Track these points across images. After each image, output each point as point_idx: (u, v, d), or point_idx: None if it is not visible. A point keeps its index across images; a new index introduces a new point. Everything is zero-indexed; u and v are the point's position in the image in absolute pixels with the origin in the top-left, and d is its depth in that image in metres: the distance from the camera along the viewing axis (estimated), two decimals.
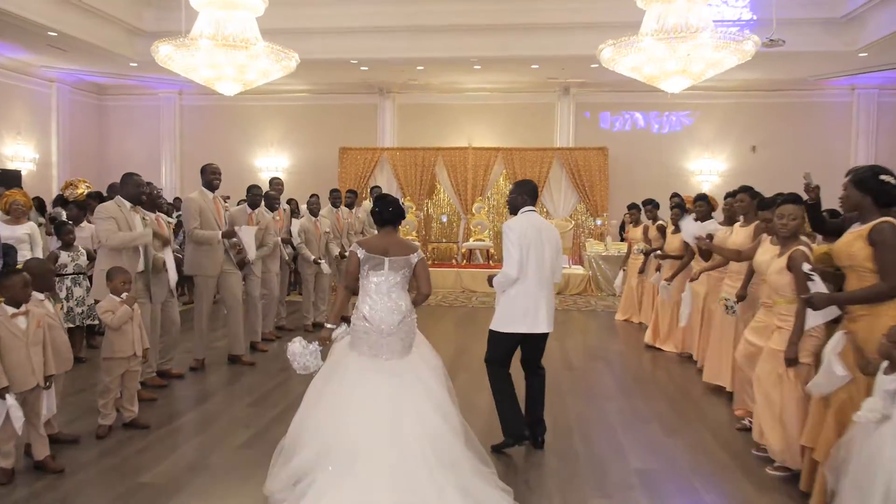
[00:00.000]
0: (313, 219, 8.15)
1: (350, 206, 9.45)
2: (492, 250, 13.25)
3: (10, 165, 13.13)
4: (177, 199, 11.84)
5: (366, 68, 13.26)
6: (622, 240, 13.33)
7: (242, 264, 6.32)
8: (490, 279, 4.43)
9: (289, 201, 13.03)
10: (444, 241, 14.02)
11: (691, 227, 5.48)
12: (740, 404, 5.01)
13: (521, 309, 4.25)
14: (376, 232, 3.98)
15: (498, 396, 4.40)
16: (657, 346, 7.23)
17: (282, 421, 4.46)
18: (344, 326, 3.77)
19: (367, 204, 9.62)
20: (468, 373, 6.12)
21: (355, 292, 3.78)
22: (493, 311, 4.43)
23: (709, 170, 14.44)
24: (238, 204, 8.35)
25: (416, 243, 4.19)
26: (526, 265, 4.20)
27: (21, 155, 13.39)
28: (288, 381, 5.79)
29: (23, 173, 13.30)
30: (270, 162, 15.38)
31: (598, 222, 13.48)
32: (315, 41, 11.75)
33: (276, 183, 8.05)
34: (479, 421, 4.68)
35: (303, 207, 9.01)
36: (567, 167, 13.67)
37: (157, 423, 4.77)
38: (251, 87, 9.14)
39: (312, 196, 8.33)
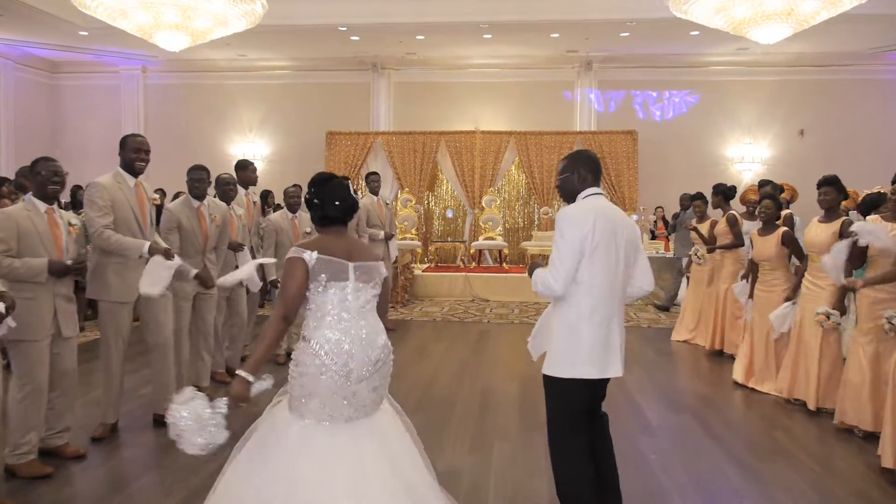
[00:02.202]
0: (290, 216, 6.22)
1: None
2: (505, 251, 11.38)
3: None
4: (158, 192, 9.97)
5: (356, 38, 11.37)
6: (653, 238, 11.48)
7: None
8: (533, 267, 3.14)
9: (264, 194, 11.17)
10: (448, 240, 12.13)
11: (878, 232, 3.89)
12: None
13: (588, 340, 2.95)
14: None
15: (565, 481, 3.03)
16: (751, 385, 5.38)
17: None
18: (267, 380, 2.55)
19: (366, 200, 7.70)
20: (498, 432, 4.28)
21: (291, 321, 2.62)
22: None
23: (751, 157, 12.64)
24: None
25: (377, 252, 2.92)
26: (593, 275, 2.93)
27: None
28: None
29: None
30: (248, 149, 13.48)
31: (635, 217, 11.50)
32: (296, 4, 9.86)
33: (242, 166, 6.08)
34: None
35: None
36: None
37: None
38: (205, 41, 7.20)
39: (292, 187, 6.42)
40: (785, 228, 5.22)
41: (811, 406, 4.73)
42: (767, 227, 5.31)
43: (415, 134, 12.20)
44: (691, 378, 5.96)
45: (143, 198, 4.24)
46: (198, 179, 4.86)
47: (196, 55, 12.92)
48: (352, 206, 2.72)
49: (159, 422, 4.35)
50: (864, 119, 12.33)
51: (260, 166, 13.69)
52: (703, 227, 7.06)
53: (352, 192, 2.73)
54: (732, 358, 6.41)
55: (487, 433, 4.34)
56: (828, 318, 4.50)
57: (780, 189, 6.24)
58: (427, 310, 9.27)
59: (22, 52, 12.75)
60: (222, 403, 2.50)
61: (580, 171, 3.07)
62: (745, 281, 6.07)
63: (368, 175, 8.04)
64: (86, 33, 11.25)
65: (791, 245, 5.16)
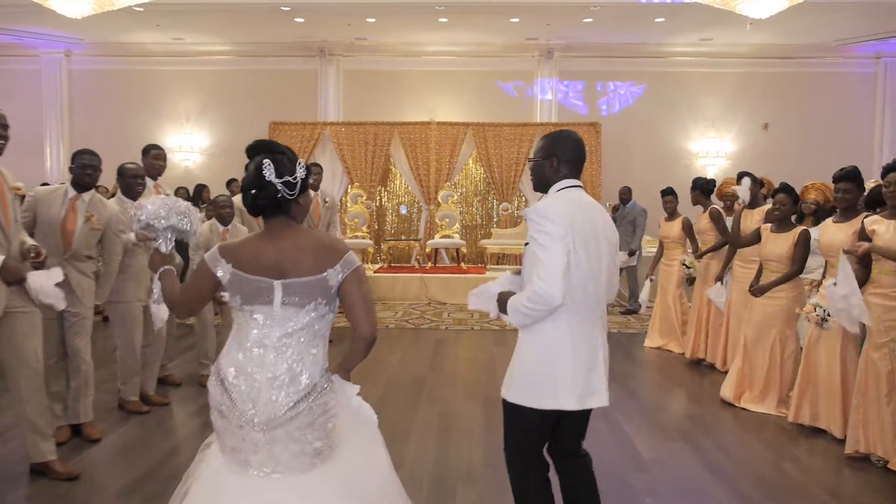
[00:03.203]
0: (220, 228, 5.30)
1: (315, 188, 6.73)
2: (463, 249, 10.66)
3: None
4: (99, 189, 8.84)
5: (301, 20, 10.49)
6: None
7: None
8: (503, 302, 2.51)
9: (199, 189, 10.20)
10: (402, 238, 11.35)
11: None
12: None
13: (564, 365, 2.43)
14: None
15: None
16: (742, 405, 4.77)
17: None
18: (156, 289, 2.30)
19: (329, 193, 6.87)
20: (461, 472, 3.55)
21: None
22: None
23: (715, 151, 12.21)
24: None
25: (343, 243, 2.24)
26: (573, 283, 2.39)
27: None
28: None
29: None
30: (185, 141, 12.46)
31: None
32: None
33: (143, 150, 5.10)
34: None
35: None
36: None
37: None
38: (114, 8, 6.22)
39: (222, 196, 5.42)
40: (804, 228, 4.62)
41: (837, 433, 4.10)
42: (782, 225, 4.69)
43: (366, 125, 11.36)
44: (677, 394, 5.32)
45: (2, 190, 3.32)
46: (83, 166, 3.95)
47: (126, 38, 11.86)
48: (273, 199, 2.07)
49: (37, 472, 3.49)
50: (829, 113, 12.04)
51: (198, 159, 12.68)
52: (674, 225, 6.48)
53: (267, 175, 2.04)
54: (712, 367, 5.86)
55: (449, 475, 3.60)
56: (814, 309, 4.01)
57: (760, 183, 5.68)
58: (379, 315, 8.48)
59: None
60: None
61: (557, 156, 2.53)
62: (720, 283, 5.55)
63: (311, 165, 7.19)
64: None
65: (802, 247, 4.56)
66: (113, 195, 5.02)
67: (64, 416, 4.05)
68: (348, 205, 10.96)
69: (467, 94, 12.22)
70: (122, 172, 4.50)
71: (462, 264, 10.43)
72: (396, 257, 11.16)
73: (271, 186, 2.04)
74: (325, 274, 2.05)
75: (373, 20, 10.46)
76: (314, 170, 7.07)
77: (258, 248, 2.08)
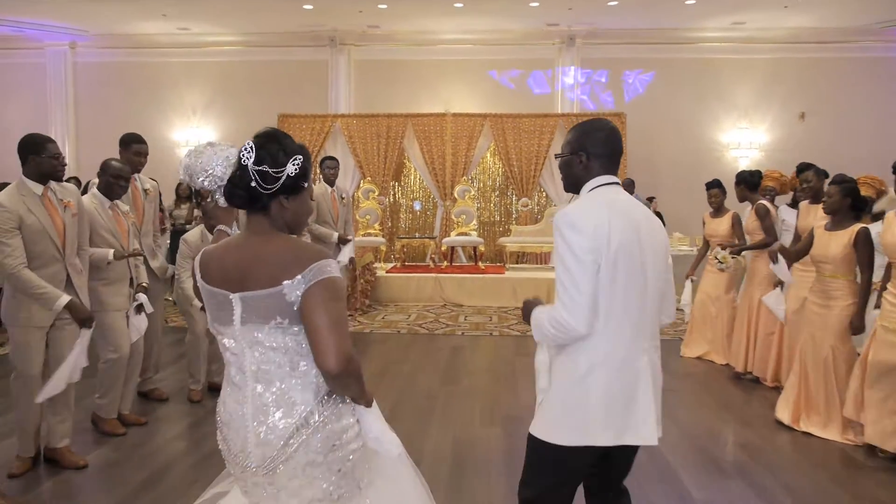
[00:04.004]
0: (210, 236, 4.77)
1: (331, 182, 6.19)
2: (481, 248, 10.11)
3: None
4: (71, 181, 8.35)
5: (309, 6, 10.00)
6: None
7: None
8: (528, 310, 2.17)
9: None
10: (416, 236, 10.83)
11: None
12: None
13: (602, 394, 2.05)
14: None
15: None
16: (801, 428, 4.18)
17: None
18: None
19: (316, 190, 6.39)
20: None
21: None
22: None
23: (748, 142, 11.53)
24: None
25: (317, 250, 1.76)
26: (611, 301, 2.01)
27: None
28: None
29: None
30: (192, 134, 12.04)
31: None
32: None
33: (124, 141, 4.58)
34: None
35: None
36: None
37: None
38: None
39: (210, 200, 4.93)
40: (862, 226, 4.01)
41: None
42: (837, 222, 4.11)
43: (378, 117, 10.84)
44: (725, 416, 4.65)
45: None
46: (51, 156, 3.46)
47: (131, 29, 11.48)
48: (246, 189, 1.76)
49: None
50: (870, 101, 11.30)
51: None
52: (722, 222, 5.88)
53: (244, 159, 1.73)
54: (757, 382, 5.27)
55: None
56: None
57: (825, 173, 5.05)
58: (390, 318, 7.98)
59: None
60: None
61: (586, 150, 2.15)
62: (778, 289, 4.92)
63: (324, 160, 6.68)
64: None
65: (865, 249, 3.95)
66: (85, 192, 4.55)
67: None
68: (360, 201, 10.46)
69: (484, 84, 11.65)
70: (106, 169, 4.03)
71: (480, 263, 9.88)
72: (411, 256, 10.65)
73: (245, 173, 1.73)
74: (280, 286, 1.65)
75: (384, 6, 9.93)
76: (329, 163, 6.57)
77: (224, 253, 1.80)
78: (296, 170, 1.74)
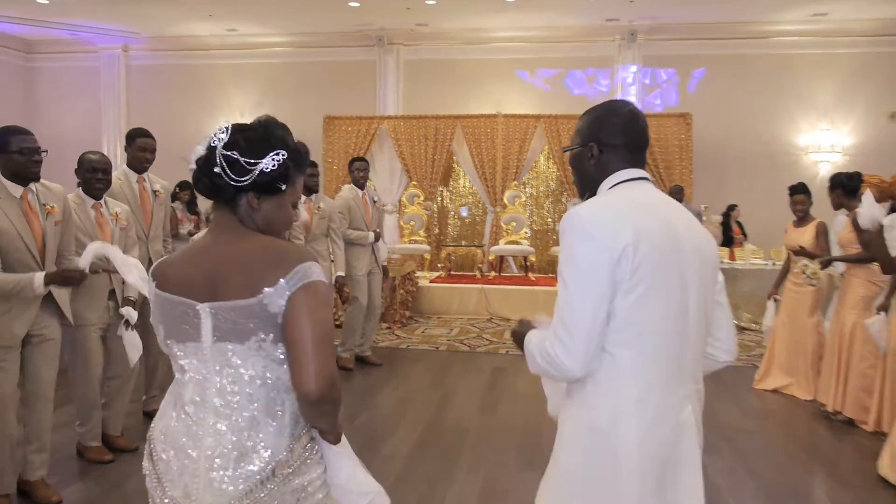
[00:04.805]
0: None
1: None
2: (532, 258, 9.51)
3: None
4: None
5: (356, 4, 9.61)
6: (724, 244, 9.33)
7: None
8: (521, 334, 1.70)
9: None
10: (464, 244, 10.30)
11: None
12: None
13: (636, 458, 1.51)
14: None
15: None
16: None
17: None
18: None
19: (347, 193, 5.98)
20: None
21: None
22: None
23: (829, 145, 10.52)
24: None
25: (302, 250, 1.48)
26: (641, 330, 1.51)
27: None
28: None
29: None
30: None
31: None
32: None
33: (129, 136, 4.24)
34: None
35: None
36: None
37: None
38: None
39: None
40: None
41: None
42: None
43: (426, 118, 10.39)
44: (814, 469, 3.90)
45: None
46: (17, 151, 3.07)
47: (181, 31, 11.42)
48: (209, 174, 1.50)
49: None
50: None
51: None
52: (805, 231, 5.12)
53: (214, 140, 1.50)
54: (851, 424, 4.49)
55: None
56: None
57: None
58: (431, 332, 7.47)
59: None
60: None
61: (599, 140, 1.70)
62: (883, 314, 4.15)
63: (353, 161, 6.21)
64: (46, 1, 9.73)
65: None
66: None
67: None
68: (405, 206, 10.01)
69: (538, 84, 11.03)
70: (81, 163, 3.70)
71: (530, 275, 9.27)
72: (458, 265, 10.12)
73: (212, 155, 1.49)
74: (260, 295, 1.40)
75: (433, 2, 9.46)
76: (358, 165, 6.11)
77: (188, 257, 1.55)
78: (274, 166, 1.48)
